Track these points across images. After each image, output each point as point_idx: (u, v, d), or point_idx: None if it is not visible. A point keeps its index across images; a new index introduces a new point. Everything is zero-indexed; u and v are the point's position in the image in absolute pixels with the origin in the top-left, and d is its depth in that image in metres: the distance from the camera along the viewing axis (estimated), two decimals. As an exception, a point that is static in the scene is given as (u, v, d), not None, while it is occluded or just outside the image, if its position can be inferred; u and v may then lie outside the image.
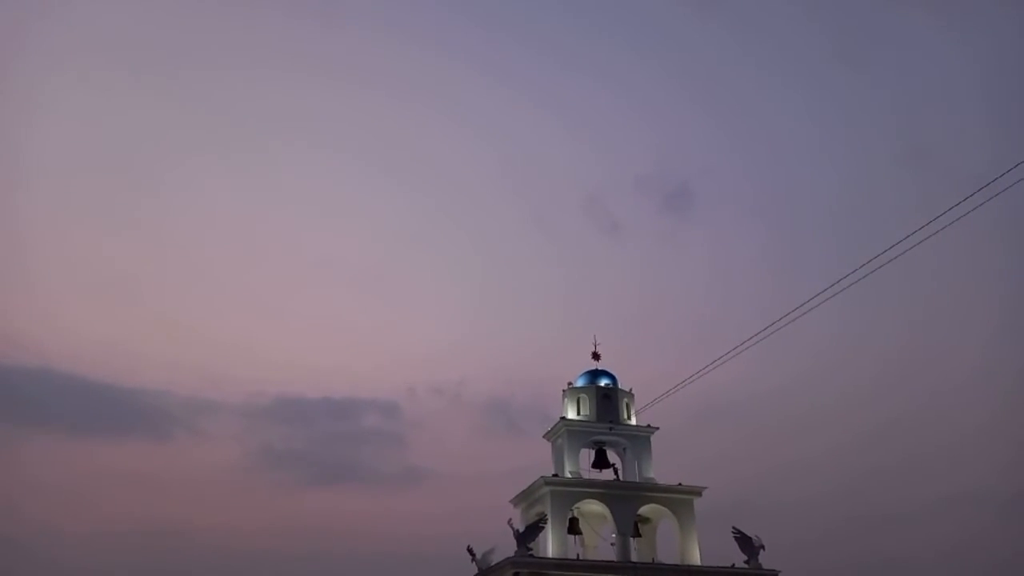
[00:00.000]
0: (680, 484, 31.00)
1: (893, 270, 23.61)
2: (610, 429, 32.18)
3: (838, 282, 24.11)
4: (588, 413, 32.53)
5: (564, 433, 31.99)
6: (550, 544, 29.32)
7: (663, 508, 30.98)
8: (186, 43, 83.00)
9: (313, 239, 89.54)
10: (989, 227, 65.76)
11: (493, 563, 29.15)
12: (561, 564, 28.39)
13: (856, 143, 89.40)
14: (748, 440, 77.15)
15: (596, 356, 34.15)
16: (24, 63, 77.32)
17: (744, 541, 29.68)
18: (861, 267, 23.62)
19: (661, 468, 31.87)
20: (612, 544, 30.12)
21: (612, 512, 30.22)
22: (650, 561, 30.65)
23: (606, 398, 32.78)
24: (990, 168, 20.40)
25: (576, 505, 30.55)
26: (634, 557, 30.26)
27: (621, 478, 31.98)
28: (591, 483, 31.02)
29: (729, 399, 69.11)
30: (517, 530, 28.59)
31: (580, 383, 33.48)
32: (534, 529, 28.92)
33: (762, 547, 29.46)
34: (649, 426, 32.56)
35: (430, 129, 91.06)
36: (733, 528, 29.99)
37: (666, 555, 31.28)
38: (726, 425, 76.38)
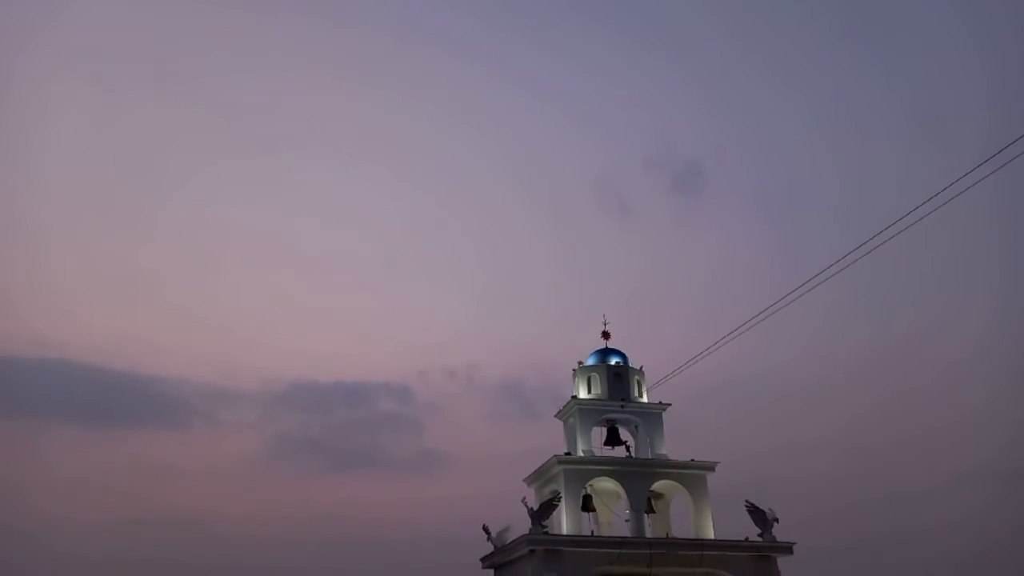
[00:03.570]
0: (692, 460, 31.19)
1: (897, 245, 23.70)
2: (622, 407, 32.25)
3: (844, 257, 24.20)
4: (599, 392, 32.69)
5: (576, 412, 32.13)
6: (564, 522, 29.51)
7: (676, 484, 31.09)
8: (197, 45, 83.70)
9: (321, 228, 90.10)
10: (991, 203, 65.59)
11: (508, 541, 29.41)
12: (576, 541, 28.51)
13: (858, 122, 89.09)
14: (755, 417, 77.73)
15: (606, 335, 34.21)
16: (39, 66, 78.30)
17: (757, 514, 29.65)
18: (866, 242, 23.76)
19: (672, 445, 32.01)
20: (626, 520, 30.31)
21: (625, 489, 30.38)
22: (664, 536, 30.87)
23: (617, 376, 32.90)
24: (992, 144, 20.39)
25: (589, 483, 30.71)
26: (648, 533, 30.43)
27: (633, 455, 32.24)
28: (604, 460, 31.11)
29: (735, 376, 69.51)
30: (531, 508, 28.59)
31: (591, 362, 33.61)
32: (548, 507, 28.98)
33: (776, 520, 29.40)
34: (660, 403, 32.59)
35: (433, 121, 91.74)
36: (746, 501, 29.96)
37: (680, 530, 31.49)
38: (733, 402, 76.76)
